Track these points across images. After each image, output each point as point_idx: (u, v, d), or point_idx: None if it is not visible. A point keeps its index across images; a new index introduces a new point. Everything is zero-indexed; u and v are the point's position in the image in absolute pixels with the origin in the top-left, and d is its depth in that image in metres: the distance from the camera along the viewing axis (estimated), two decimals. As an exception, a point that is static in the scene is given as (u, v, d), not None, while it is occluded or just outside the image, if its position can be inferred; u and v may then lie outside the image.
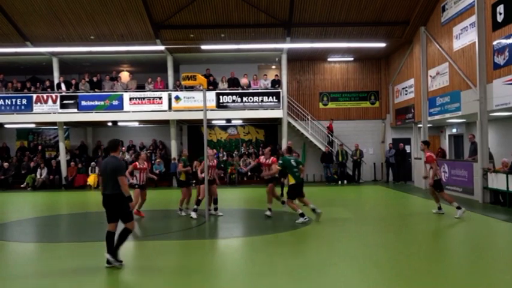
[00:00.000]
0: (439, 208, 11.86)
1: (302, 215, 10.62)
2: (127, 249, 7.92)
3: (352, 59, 23.78)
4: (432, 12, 18.34)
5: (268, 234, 9.64)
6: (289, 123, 22.23)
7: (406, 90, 21.33)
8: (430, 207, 12.31)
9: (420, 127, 19.52)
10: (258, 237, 9.42)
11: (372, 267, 6.87)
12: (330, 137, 22.93)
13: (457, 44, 16.20)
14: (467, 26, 15.43)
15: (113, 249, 6.94)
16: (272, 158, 12.81)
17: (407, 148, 22.66)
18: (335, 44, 21.04)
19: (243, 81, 22.15)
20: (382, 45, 21.05)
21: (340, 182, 21.97)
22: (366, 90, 24.15)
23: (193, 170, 12.31)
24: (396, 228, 10.34)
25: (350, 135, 23.45)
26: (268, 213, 11.61)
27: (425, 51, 18.93)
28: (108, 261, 6.91)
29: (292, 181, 10.79)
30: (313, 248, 8.34)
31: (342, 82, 24.14)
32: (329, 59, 23.77)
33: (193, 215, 11.54)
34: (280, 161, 11.08)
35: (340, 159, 22.06)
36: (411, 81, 20.63)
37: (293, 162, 10.91)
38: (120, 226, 7.10)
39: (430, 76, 18.52)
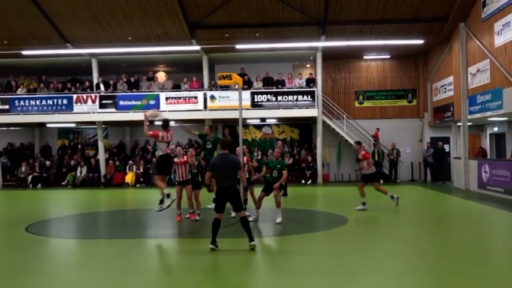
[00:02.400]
0: (363, 204, 12.38)
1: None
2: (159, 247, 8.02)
3: (388, 56, 23.38)
4: (472, 8, 17.81)
5: (302, 233, 9.59)
6: (324, 122, 22.06)
7: (445, 88, 20.80)
8: (470, 209, 11.99)
9: (460, 126, 19.01)
10: (292, 236, 9.38)
11: (407, 270, 6.77)
12: (376, 145, 22.26)
13: (499, 40, 15.68)
14: (509, 22, 14.91)
15: (215, 236, 7.76)
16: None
17: (446, 147, 22.10)
18: (371, 41, 20.76)
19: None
20: (420, 42, 20.61)
21: (376, 182, 21.56)
22: (403, 88, 23.68)
23: None
24: (433, 229, 10.11)
25: (386, 134, 22.97)
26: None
27: (465, 48, 18.40)
28: (214, 244, 7.74)
29: None
30: (346, 249, 8.22)
31: (378, 80, 23.76)
32: (365, 57, 23.43)
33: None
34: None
35: (376, 158, 21.69)
36: (450, 79, 20.09)
37: None
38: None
39: (470, 73, 18.00)
